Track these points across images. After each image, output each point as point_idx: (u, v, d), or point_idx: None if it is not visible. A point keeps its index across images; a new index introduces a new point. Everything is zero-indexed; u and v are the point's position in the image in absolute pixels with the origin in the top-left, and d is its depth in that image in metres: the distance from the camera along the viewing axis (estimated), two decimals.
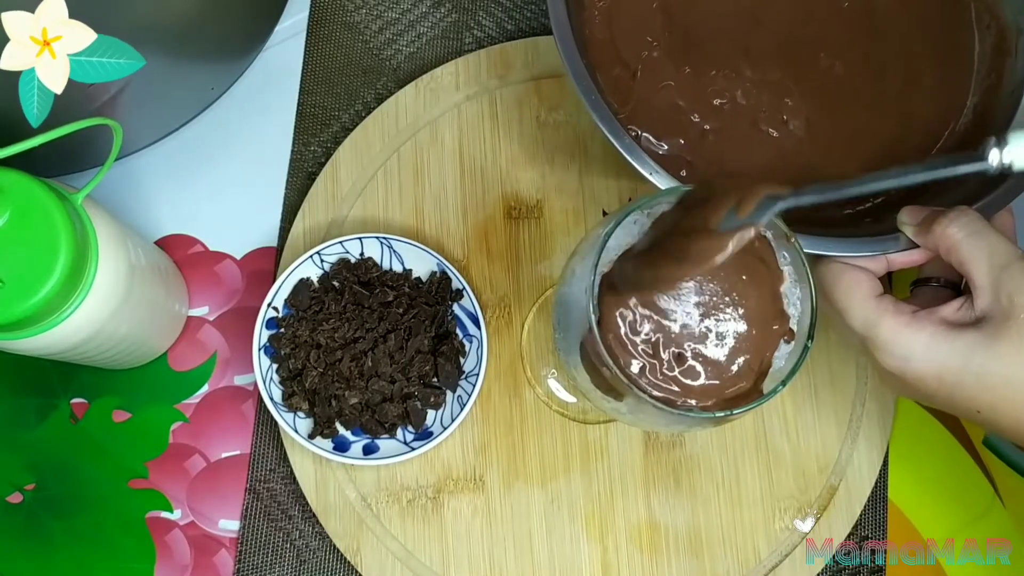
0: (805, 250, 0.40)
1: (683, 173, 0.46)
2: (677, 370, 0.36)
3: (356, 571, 0.51)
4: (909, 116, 0.48)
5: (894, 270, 0.42)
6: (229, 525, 0.53)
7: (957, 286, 0.42)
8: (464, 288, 0.51)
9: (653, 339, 0.36)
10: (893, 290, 0.51)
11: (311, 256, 0.51)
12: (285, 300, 0.51)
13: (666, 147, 0.47)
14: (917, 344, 0.38)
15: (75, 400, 0.53)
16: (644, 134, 0.47)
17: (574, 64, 0.43)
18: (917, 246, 0.41)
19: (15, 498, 0.52)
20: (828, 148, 0.48)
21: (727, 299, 0.37)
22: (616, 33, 0.48)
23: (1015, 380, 0.36)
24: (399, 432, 0.51)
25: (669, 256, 0.34)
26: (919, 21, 0.49)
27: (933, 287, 0.42)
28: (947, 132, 0.48)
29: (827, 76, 0.48)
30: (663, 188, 0.42)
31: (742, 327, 0.36)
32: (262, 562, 0.52)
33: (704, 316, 0.36)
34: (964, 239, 0.38)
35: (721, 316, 0.36)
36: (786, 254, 0.37)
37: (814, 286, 0.36)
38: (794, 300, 0.37)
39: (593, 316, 0.34)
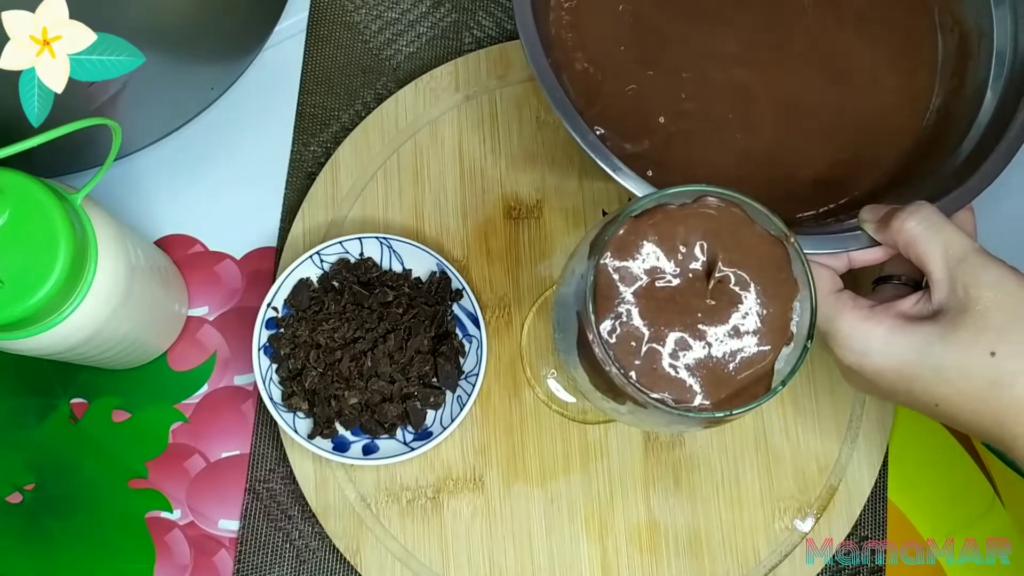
0: None
1: (649, 173, 0.46)
2: (677, 370, 0.36)
3: (356, 571, 0.51)
4: (875, 118, 0.49)
5: (855, 267, 0.42)
6: (229, 525, 0.53)
7: (919, 284, 0.42)
8: (464, 288, 0.51)
9: (654, 339, 0.36)
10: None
11: (311, 256, 0.51)
12: (285, 300, 0.51)
13: (632, 148, 0.47)
14: (875, 338, 0.38)
15: (75, 400, 0.53)
16: (611, 134, 0.47)
17: (538, 63, 0.43)
18: (878, 244, 0.41)
19: (15, 498, 0.52)
20: (795, 150, 0.48)
21: (732, 302, 0.36)
22: (584, 34, 0.48)
23: (971, 371, 0.36)
24: (399, 432, 0.51)
25: None
26: (883, 23, 0.50)
27: (894, 284, 0.42)
28: (912, 132, 0.48)
29: (793, 79, 0.49)
30: (630, 188, 0.42)
31: (747, 331, 0.36)
32: (262, 562, 0.52)
33: (707, 319, 0.36)
34: (921, 232, 0.38)
35: (725, 320, 0.36)
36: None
37: (814, 287, 0.36)
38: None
39: (592, 316, 0.34)
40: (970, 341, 0.36)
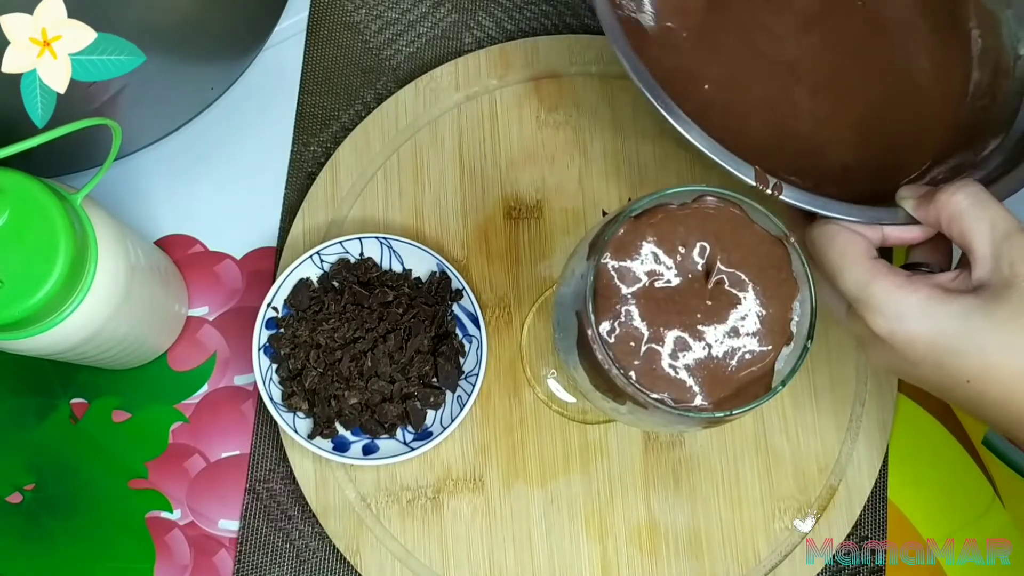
0: (802, 206, 0.41)
1: None
2: (677, 370, 0.36)
3: (356, 571, 0.51)
4: (908, 112, 0.49)
5: (889, 245, 0.42)
6: (229, 525, 0.53)
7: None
8: (464, 288, 0.51)
9: (654, 339, 0.36)
10: None
11: (311, 256, 0.51)
12: (285, 300, 0.51)
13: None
14: (911, 304, 0.37)
15: (75, 400, 0.53)
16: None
17: (603, 9, 0.43)
18: (915, 223, 0.40)
19: (15, 498, 0.52)
20: (830, 136, 0.48)
21: (732, 303, 0.36)
22: None
23: (1012, 345, 0.36)
24: (399, 432, 0.51)
25: None
26: (926, 25, 0.50)
27: (923, 272, 0.42)
28: (944, 129, 0.49)
29: (837, 65, 0.49)
30: (681, 129, 0.42)
31: (747, 331, 0.36)
32: (262, 562, 0.52)
33: (706, 319, 0.36)
34: (968, 208, 0.38)
35: (725, 320, 0.36)
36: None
37: (814, 287, 0.36)
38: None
39: (592, 316, 0.34)
40: (1013, 315, 0.36)
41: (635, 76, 0.42)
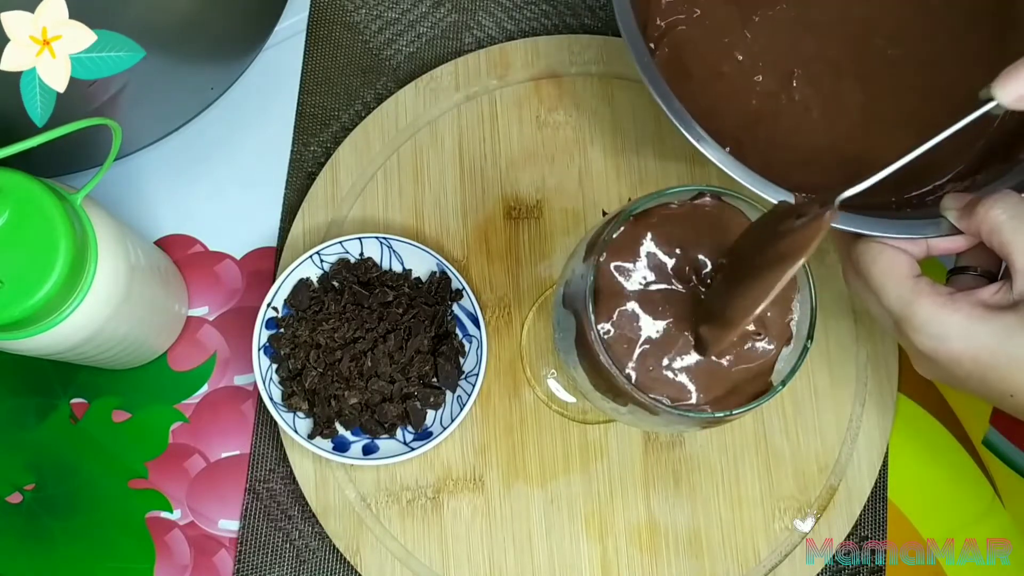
0: (845, 227, 0.40)
1: (727, 149, 0.46)
2: (676, 371, 0.36)
3: (356, 571, 0.51)
4: (959, 107, 0.48)
5: (933, 255, 0.42)
6: (229, 525, 0.53)
7: (995, 276, 0.41)
8: (464, 288, 0.51)
9: (652, 338, 0.36)
10: None
11: (311, 256, 0.51)
12: (285, 300, 0.51)
13: (711, 124, 0.47)
14: (953, 324, 0.38)
15: (75, 400, 0.53)
16: (691, 109, 0.46)
17: (626, 20, 0.43)
18: (958, 232, 0.40)
19: (15, 498, 0.52)
20: (877, 134, 0.47)
21: None
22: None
23: None
24: (399, 432, 0.51)
25: (759, 267, 0.33)
26: (972, 16, 0.49)
27: (971, 275, 0.42)
28: (992, 128, 0.48)
29: (881, 60, 0.48)
30: (710, 156, 0.41)
31: (746, 331, 0.36)
32: (262, 562, 0.52)
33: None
34: (1007, 221, 0.38)
35: None
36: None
37: (813, 287, 0.36)
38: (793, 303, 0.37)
39: (592, 316, 0.34)
40: None
41: (662, 101, 0.42)
